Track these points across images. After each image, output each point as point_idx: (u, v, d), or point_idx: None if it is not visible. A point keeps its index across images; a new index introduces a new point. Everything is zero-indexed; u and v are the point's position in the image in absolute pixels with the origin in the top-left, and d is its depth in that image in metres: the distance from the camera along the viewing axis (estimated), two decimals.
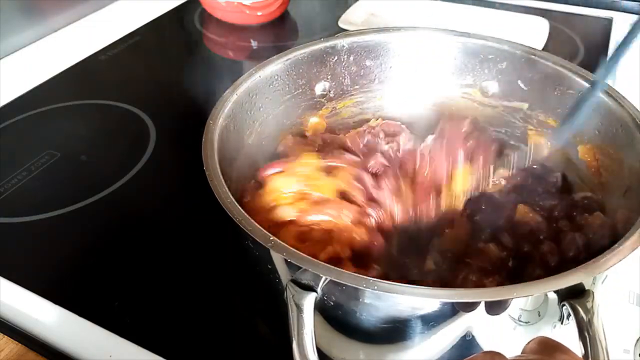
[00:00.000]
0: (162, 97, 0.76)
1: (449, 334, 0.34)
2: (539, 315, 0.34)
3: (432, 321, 0.33)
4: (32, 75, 0.79)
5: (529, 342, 0.29)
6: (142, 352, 0.43)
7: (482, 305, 0.32)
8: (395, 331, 0.34)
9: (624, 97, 0.44)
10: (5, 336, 0.44)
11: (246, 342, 0.44)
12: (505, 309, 0.33)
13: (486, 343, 0.35)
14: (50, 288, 0.48)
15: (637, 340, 0.43)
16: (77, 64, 0.83)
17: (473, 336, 0.34)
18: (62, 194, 0.58)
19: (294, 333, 0.29)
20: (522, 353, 0.29)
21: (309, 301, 0.30)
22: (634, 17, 0.90)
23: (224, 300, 0.47)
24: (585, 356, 0.29)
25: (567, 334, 0.31)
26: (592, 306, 0.30)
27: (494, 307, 0.33)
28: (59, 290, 0.48)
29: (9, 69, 0.81)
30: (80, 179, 0.61)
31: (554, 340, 0.29)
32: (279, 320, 0.32)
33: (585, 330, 0.29)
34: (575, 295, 0.31)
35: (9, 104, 0.74)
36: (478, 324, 0.34)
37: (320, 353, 0.30)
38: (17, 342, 0.43)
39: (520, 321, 0.34)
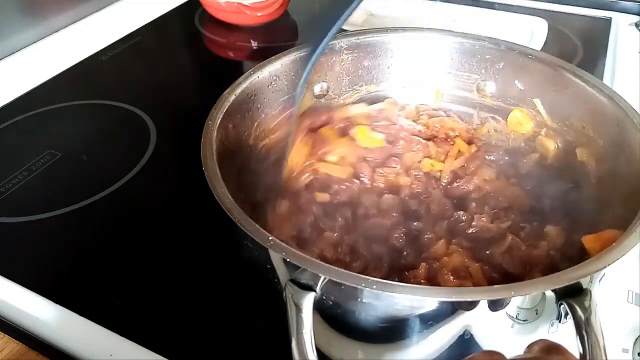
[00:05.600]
0: (162, 97, 0.76)
1: (447, 333, 0.34)
2: (537, 314, 0.34)
3: (431, 320, 0.33)
4: (33, 76, 0.79)
5: (530, 345, 0.29)
6: (143, 352, 0.43)
7: (481, 303, 0.32)
8: (394, 330, 0.35)
9: (620, 96, 0.44)
10: (6, 336, 0.44)
11: (246, 342, 0.44)
12: (506, 305, 0.33)
13: (485, 342, 0.35)
14: (51, 287, 0.48)
15: (636, 339, 0.43)
16: (77, 64, 0.83)
17: (472, 335, 0.34)
18: (63, 194, 0.58)
19: (293, 333, 0.30)
20: (524, 353, 0.29)
21: (308, 301, 0.30)
22: (633, 18, 0.90)
23: (224, 300, 0.47)
24: (583, 355, 0.29)
25: (566, 333, 0.31)
26: (590, 305, 0.30)
27: (494, 304, 0.33)
28: (59, 290, 0.48)
29: (9, 70, 0.81)
30: (81, 179, 0.61)
31: (554, 342, 0.29)
32: (279, 320, 0.32)
33: (583, 329, 0.29)
34: (573, 294, 0.31)
35: (10, 104, 0.74)
36: (476, 322, 0.34)
37: (320, 352, 0.31)
38: (17, 342, 0.43)
39: (518, 320, 0.34)
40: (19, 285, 0.48)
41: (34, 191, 0.59)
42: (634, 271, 0.48)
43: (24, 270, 0.50)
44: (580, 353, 0.29)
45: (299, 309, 0.30)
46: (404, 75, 0.57)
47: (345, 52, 0.54)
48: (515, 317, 0.34)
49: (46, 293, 0.47)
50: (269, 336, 0.44)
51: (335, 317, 0.35)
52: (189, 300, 0.47)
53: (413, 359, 0.36)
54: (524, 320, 0.34)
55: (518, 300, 0.33)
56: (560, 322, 0.33)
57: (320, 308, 0.33)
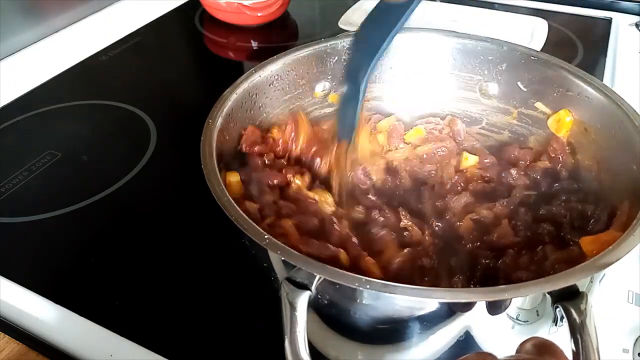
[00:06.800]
0: (162, 97, 0.76)
1: (445, 334, 0.34)
2: (538, 315, 0.34)
3: (429, 321, 0.33)
4: (33, 76, 0.79)
5: (523, 342, 0.29)
6: (143, 352, 0.43)
7: (479, 305, 0.32)
8: (389, 331, 0.35)
9: (622, 98, 0.44)
10: (6, 336, 0.44)
11: (246, 342, 0.44)
12: (505, 308, 0.33)
13: (484, 342, 0.35)
14: (51, 287, 0.48)
15: (636, 339, 0.43)
16: (77, 64, 0.83)
17: (471, 335, 0.34)
18: (63, 194, 0.58)
19: (287, 331, 0.30)
20: (516, 352, 0.29)
21: (302, 299, 0.30)
22: (633, 18, 0.90)
23: (223, 299, 0.47)
24: (577, 358, 0.29)
25: (567, 334, 0.31)
26: (585, 308, 0.30)
27: (493, 307, 0.33)
28: (60, 290, 0.48)
29: (10, 70, 0.81)
30: (81, 179, 0.61)
31: (547, 341, 0.29)
32: (278, 319, 0.32)
33: (577, 332, 0.29)
34: (568, 297, 0.31)
35: (10, 104, 0.74)
36: (476, 323, 0.34)
37: (316, 351, 0.31)
38: (18, 342, 0.43)
39: (518, 320, 0.34)
40: (19, 285, 0.48)
41: (34, 191, 0.59)
42: (634, 271, 0.48)
43: (24, 270, 0.50)
44: (574, 356, 0.29)
45: (293, 307, 0.30)
46: (405, 75, 0.57)
47: (347, 51, 0.54)
48: (515, 317, 0.34)
49: (46, 293, 0.47)
50: (269, 336, 0.44)
51: (331, 316, 0.35)
52: (188, 300, 0.47)
53: (410, 359, 0.36)
54: (524, 321, 0.34)
55: (518, 301, 0.33)
56: (556, 324, 0.32)
57: (316, 307, 0.33)
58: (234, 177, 0.44)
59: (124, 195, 0.59)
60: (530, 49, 0.52)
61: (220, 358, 0.43)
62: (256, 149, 0.48)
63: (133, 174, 0.61)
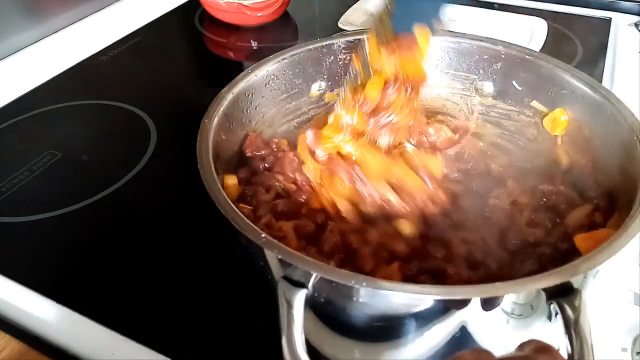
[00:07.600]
0: (163, 97, 0.76)
1: (441, 330, 0.34)
2: (532, 309, 0.34)
3: (425, 318, 0.33)
4: (33, 76, 0.79)
5: (521, 344, 0.29)
6: (144, 351, 0.43)
7: (474, 301, 0.32)
8: (386, 328, 0.35)
9: (615, 96, 0.45)
10: (7, 335, 0.44)
11: (246, 341, 0.44)
12: (499, 304, 0.33)
13: (480, 337, 0.35)
14: (53, 287, 0.48)
15: (635, 338, 0.43)
16: (78, 64, 0.83)
17: (467, 331, 0.34)
18: (64, 194, 0.58)
19: (284, 329, 0.30)
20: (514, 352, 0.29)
21: (299, 298, 0.31)
22: (633, 18, 0.90)
23: (223, 298, 0.48)
24: (572, 355, 0.29)
25: (562, 327, 0.31)
26: (579, 305, 0.30)
27: (487, 303, 0.33)
28: (61, 289, 0.48)
29: (10, 70, 0.81)
30: (82, 179, 0.62)
31: (545, 343, 0.29)
32: (276, 318, 0.32)
33: (571, 328, 0.30)
34: (563, 294, 0.31)
35: (11, 105, 0.74)
36: (471, 318, 0.34)
37: (313, 350, 0.31)
38: (19, 341, 0.44)
39: (513, 315, 0.34)
40: (20, 285, 0.48)
41: (35, 191, 0.59)
42: (633, 270, 0.48)
43: (25, 270, 0.50)
44: (569, 352, 0.29)
45: (290, 306, 0.30)
46: None
47: (344, 51, 0.54)
48: (510, 312, 0.34)
49: (47, 292, 0.48)
50: (269, 336, 0.44)
51: (328, 314, 0.36)
52: (189, 299, 0.48)
53: (408, 357, 0.36)
54: (519, 315, 0.34)
55: (513, 296, 0.33)
56: (550, 321, 0.33)
57: (313, 305, 0.33)
58: (231, 180, 0.45)
59: (124, 195, 0.59)
60: (525, 48, 0.52)
61: (220, 357, 0.44)
62: (262, 152, 0.49)
63: (133, 174, 0.61)
